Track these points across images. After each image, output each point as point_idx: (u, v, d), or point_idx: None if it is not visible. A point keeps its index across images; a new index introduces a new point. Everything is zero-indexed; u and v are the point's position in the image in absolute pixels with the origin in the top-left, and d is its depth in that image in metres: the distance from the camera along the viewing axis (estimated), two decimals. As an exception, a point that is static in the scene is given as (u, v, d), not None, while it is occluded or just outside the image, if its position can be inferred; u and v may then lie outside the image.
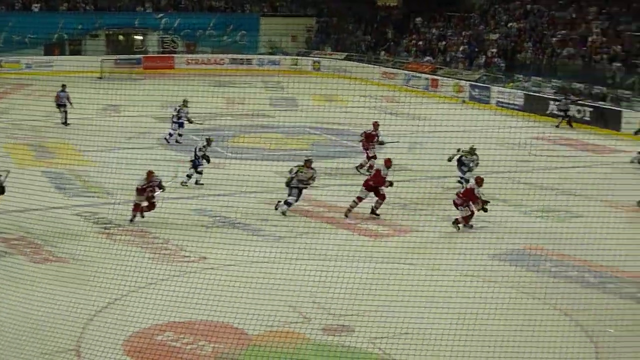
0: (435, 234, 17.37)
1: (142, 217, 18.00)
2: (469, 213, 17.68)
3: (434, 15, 48.97)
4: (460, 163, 21.00)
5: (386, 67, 44.02)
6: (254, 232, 17.32)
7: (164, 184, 18.31)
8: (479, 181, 17.62)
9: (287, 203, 18.78)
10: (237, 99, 34.07)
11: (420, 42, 45.98)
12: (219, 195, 19.15)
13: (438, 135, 22.92)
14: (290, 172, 18.85)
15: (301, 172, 18.79)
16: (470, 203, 17.55)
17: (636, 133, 26.52)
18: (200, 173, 21.35)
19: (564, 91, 33.58)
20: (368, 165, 23.12)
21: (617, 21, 38.38)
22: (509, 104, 35.94)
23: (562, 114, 31.62)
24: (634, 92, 32.76)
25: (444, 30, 46.20)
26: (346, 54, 46.61)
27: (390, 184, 18.77)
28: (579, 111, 32.39)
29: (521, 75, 37.72)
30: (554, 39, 39.53)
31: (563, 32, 39.76)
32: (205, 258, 15.25)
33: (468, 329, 11.35)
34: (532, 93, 35.71)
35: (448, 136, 22.55)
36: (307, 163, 19.02)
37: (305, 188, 19.01)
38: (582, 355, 11.59)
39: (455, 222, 17.65)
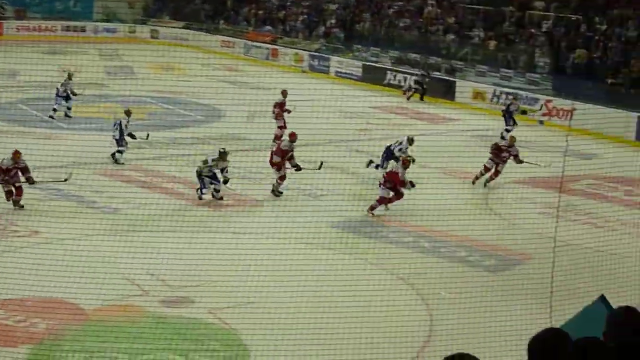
0: (277, 203, 17.44)
1: (17, 206, 16.46)
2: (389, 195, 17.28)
3: (274, -15, 48.98)
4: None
5: (226, 36, 43.63)
6: (88, 204, 16.83)
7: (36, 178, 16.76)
8: (405, 163, 17.45)
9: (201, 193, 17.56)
10: (70, 68, 32.95)
11: (260, 12, 45.80)
12: (52, 167, 18.49)
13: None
14: (204, 162, 17.49)
15: (216, 165, 17.55)
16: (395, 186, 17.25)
17: (522, 113, 26.87)
18: (121, 152, 20.34)
19: (423, 66, 33.94)
20: (276, 135, 22.81)
21: (451, -7, 39.54)
22: (347, 74, 36.37)
23: (417, 87, 32.04)
24: (466, 63, 33.81)
25: (284, 0, 46.22)
26: (185, 22, 45.85)
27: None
28: (415, 82, 33.21)
29: (359, 46, 38.21)
30: (391, 10, 40.23)
31: (400, 3, 40.52)
32: (37, 232, 14.71)
33: (308, 297, 11.45)
34: (370, 63, 36.25)
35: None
36: (224, 156, 17.71)
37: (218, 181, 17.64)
38: (418, 318, 11.90)
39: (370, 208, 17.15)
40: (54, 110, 25.30)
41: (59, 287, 11.30)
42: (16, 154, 16.48)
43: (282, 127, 22.57)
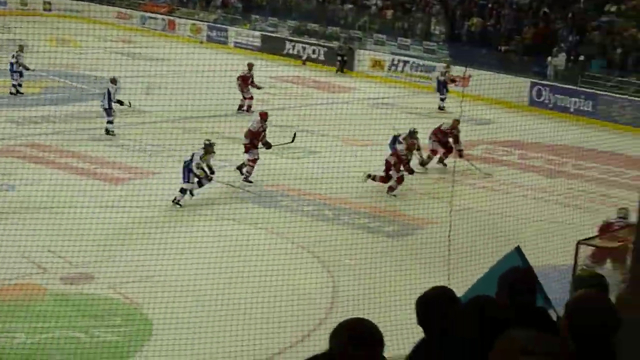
0: (177, 176, 17.27)
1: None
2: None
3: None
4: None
5: (121, 7, 42.79)
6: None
7: None
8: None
9: (183, 191, 15.83)
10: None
11: (156, -18, 45.21)
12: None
13: (176, 77, 22.72)
14: (192, 159, 15.88)
15: (205, 160, 16.16)
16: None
17: (452, 82, 26.49)
18: (111, 123, 20.43)
19: (344, 39, 33.62)
20: (247, 106, 23.33)
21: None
22: (247, 45, 36.16)
23: (339, 59, 31.87)
24: (365, 32, 33.99)
25: (180, -30, 45.69)
26: (79, -6, 44.89)
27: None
28: (313, 51, 33.23)
29: (258, 16, 38.01)
30: (289, -20, 40.21)
31: (297, -27, 40.54)
32: None
33: (210, 269, 11.42)
34: (268, 34, 36.12)
35: (187, 78, 22.38)
36: (210, 148, 16.33)
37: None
38: (321, 285, 12.02)
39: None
40: (17, 86, 24.98)
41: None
42: None
43: (249, 99, 23.52)
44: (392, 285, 11.79)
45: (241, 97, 23.76)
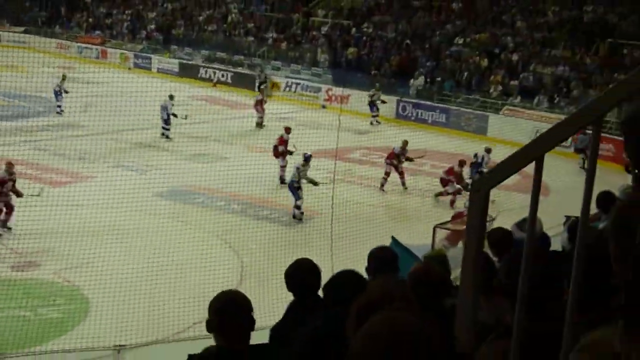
0: (110, 179, 16.83)
1: (5, 228, 13.20)
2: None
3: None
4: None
5: (61, 39, 41.52)
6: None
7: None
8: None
9: (297, 207, 15.04)
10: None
11: (90, 19, 43.92)
12: None
13: (108, 96, 22.23)
14: (295, 175, 15.18)
15: (304, 169, 15.42)
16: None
17: (382, 102, 26.02)
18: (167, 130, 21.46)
19: (261, 68, 32.97)
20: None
21: (249, 3, 39.44)
22: (167, 70, 35.58)
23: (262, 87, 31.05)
24: (264, 59, 33.91)
25: (110, 9, 44.52)
26: (24, 28, 43.25)
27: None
28: (222, 75, 32.97)
29: (176, 47, 37.50)
30: (201, 17, 39.72)
31: (208, 11, 40.07)
32: None
33: (138, 255, 11.23)
34: (185, 61, 35.65)
35: (117, 97, 21.90)
36: (309, 159, 15.62)
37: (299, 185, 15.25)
38: (232, 266, 11.95)
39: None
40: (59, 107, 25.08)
41: None
42: (9, 165, 13.69)
43: (284, 167, 17.84)
44: (287, 264, 11.80)
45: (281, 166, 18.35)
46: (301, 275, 3.94)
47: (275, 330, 3.84)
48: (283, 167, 17.52)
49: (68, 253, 11.73)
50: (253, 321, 3.01)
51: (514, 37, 28.62)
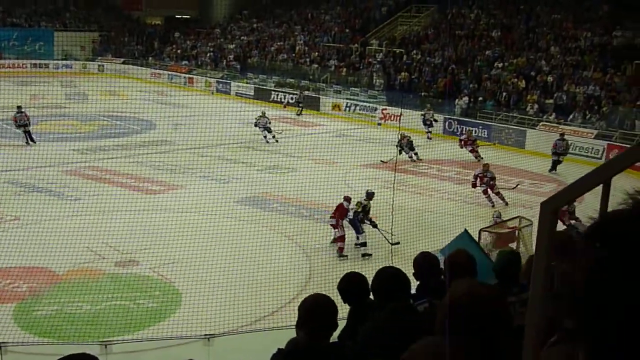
0: (196, 188, 17.10)
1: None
2: None
3: (188, 31, 47.93)
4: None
5: (154, 69, 42.44)
6: (56, 195, 16.08)
7: None
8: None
9: (363, 244, 13.14)
10: (38, 95, 31.43)
11: (179, 51, 44.75)
12: (28, 169, 17.60)
13: (195, 117, 22.59)
14: (356, 210, 13.36)
15: (365, 205, 13.68)
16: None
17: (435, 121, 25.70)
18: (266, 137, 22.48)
19: (299, 88, 33.45)
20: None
21: (314, 35, 39.59)
22: (244, 94, 35.99)
23: (298, 104, 31.43)
24: (327, 84, 33.99)
25: (195, 42, 45.28)
26: (123, 59, 44.36)
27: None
28: (291, 98, 33.18)
29: (252, 74, 37.89)
30: (273, 47, 40.06)
31: (279, 43, 40.40)
32: (18, 218, 13.96)
33: (222, 254, 11.31)
34: (259, 86, 35.98)
35: (202, 117, 22.21)
36: (371, 196, 13.83)
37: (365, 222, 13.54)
38: (301, 264, 11.95)
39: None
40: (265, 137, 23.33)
41: (36, 258, 10.83)
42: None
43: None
44: (350, 262, 11.74)
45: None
46: (352, 288, 3.85)
47: (341, 338, 3.77)
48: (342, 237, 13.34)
49: (162, 252, 11.92)
50: (336, 323, 2.98)
51: (549, 61, 27.97)
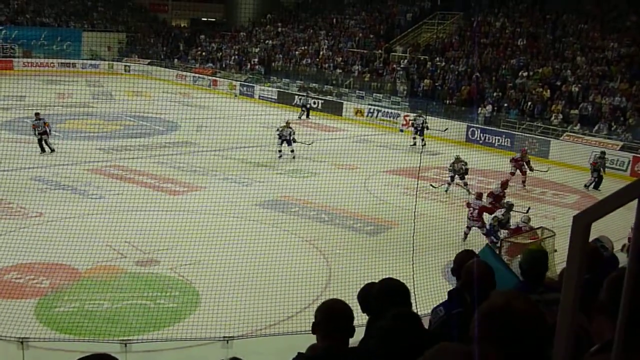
0: (218, 190, 17.16)
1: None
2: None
3: (213, 34, 48.26)
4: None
5: (179, 71, 42.76)
6: (80, 193, 16.24)
7: None
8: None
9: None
10: (65, 94, 31.80)
11: (204, 53, 45.06)
12: (53, 166, 17.80)
13: (218, 119, 22.67)
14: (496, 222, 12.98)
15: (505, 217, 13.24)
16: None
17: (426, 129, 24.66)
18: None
19: (304, 89, 34.01)
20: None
21: (338, 40, 39.61)
22: (267, 97, 36.12)
23: (302, 107, 31.75)
24: (350, 89, 33.99)
25: (220, 45, 45.56)
26: (149, 60, 44.77)
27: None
28: (314, 102, 33.21)
29: (275, 77, 38.00)
30: (297, 52, 40.16)
31: (303, 47, 40.48)
32: (42, 214, 14.12)
33: (242, 256, 11.33)
34: (283, 90, 36.09)
35: (225, 119, 22.32)
36: (511, 207, 13.60)
37: None
38: (320, 268, 11.91)
39: None
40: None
41: (59, 254, 10.93)
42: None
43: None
44: (371, 269, 11.67)
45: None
46: (370, 299, 3.80)
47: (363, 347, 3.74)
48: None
49: (182, 252, 11.97)
50: (352, 329, 2.96)
51: (574, 71, 27.69)
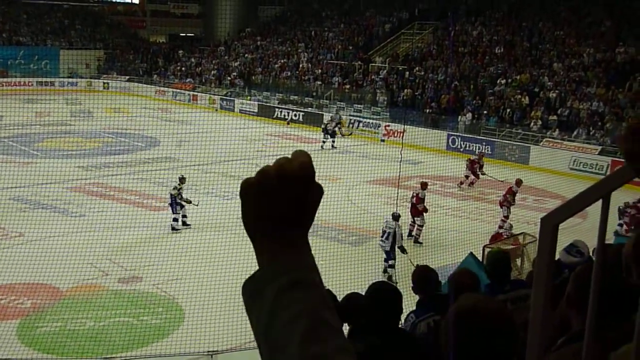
0: (200, 205, 17.11)
1: None
2: None
3: (192, 49, 48.24)
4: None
5: (159, 86, 42.65)
6: (60, 212, 16.10)
7: None
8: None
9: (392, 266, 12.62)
10: (44, 112, 31.57)
11: (183, 68, 45.02)
12: (32, 185, 17.65)
13: (199, 134, 22.64)
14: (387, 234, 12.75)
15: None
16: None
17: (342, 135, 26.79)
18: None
19: (337, 110, 33.45)
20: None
21: (317, 52, 39.78)
22: (248, 111, 36.13)
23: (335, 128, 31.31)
24: (330, 100, 34.10)
25: (199, 60, 45.55)
26: (128, 77, 44.60)
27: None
28: (295, 115, 33.25)
29: (255, 91, 38.05)
30: (276, 65, 40.26)
31: (282, 60, 40.59)
32: (22, 234, 13.98)
33: (226, 272, 11.29)
34: (263, 103, 36.11)
35: (206, 134, 22.31)
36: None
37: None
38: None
39: None
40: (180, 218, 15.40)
41: (40, 274, 10.83)
42: None
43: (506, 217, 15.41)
44: (354, 279, 11.68)
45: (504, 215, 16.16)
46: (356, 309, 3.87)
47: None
48: (421, 226, 14.81)
49: (165, 268, 11.91)
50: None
51: (552, 77, 28.05)
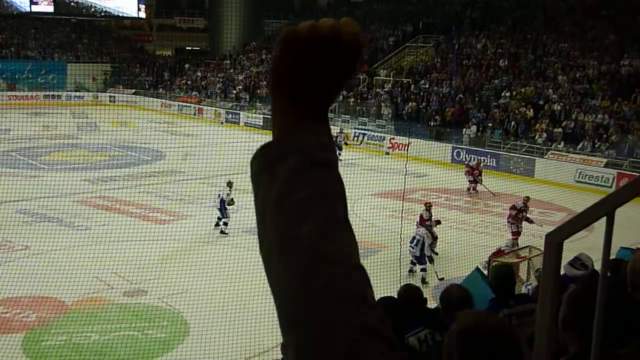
0: (205, 218, 17.12)
1: None
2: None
3: (197, 63, 48.48)
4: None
5: (164, 99, 42.86)
6: (66, 225, 16.13)
7: None
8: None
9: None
10: (50, 125, 31.70)
11: (189, 82, 45.21)
12: (39, 198, 17.69)
13: (204, 147, 22.69)
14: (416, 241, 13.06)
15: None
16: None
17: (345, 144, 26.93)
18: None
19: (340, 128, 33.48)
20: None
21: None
22: (253, 124, 36.21)
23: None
24: (335, 113, 34.01)
25: (205, 73, 45.75)
26: (134, 90, 44.83)
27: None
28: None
29: (260, 104, 38.14)
30: (282, 78, 40.24)
31: (287, 73, 40.59)
32: (28, 247, 14.00)
33: (230, 284, 11.28)
34: (268, 116, 36.02)
35: (212, 147, 22.35)
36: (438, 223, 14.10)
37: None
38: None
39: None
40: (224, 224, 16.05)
41: (45, 287, 10.84)
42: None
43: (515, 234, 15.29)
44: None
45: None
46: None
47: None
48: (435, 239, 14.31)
49: (170, 281, 11.90)
50: None
51: (557, 90, 28.05)
